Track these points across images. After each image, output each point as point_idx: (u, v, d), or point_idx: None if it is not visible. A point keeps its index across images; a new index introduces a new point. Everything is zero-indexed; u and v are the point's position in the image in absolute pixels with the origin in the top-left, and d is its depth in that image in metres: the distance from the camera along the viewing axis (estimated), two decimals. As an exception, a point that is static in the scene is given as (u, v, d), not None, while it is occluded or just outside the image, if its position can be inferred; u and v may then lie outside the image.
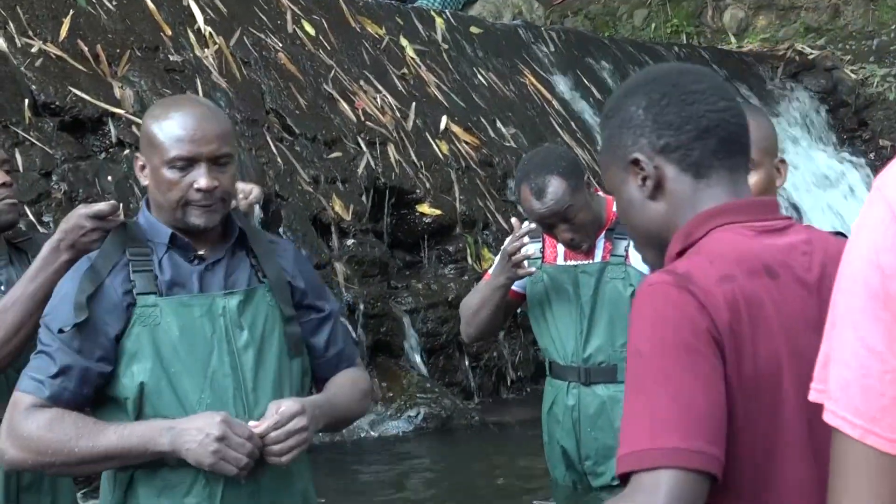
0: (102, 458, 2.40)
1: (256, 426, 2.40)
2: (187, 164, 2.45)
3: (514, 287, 3.73)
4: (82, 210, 2.61)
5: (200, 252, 2.53)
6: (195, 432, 2.34)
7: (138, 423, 2.40)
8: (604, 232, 3.64)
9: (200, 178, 2.44)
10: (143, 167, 2.54)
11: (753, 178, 2.55)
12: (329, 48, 8.00)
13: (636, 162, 1.71)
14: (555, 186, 3.50)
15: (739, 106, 1.73)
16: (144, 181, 2.54)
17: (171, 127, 2.46)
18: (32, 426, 2.39)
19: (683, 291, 1.57)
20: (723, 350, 1.55)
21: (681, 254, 1.69)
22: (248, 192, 2.81)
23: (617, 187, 1.77)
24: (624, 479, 1.54)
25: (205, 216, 2.47)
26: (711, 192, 1.70)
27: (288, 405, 2.43)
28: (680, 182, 1.70)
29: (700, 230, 1.68)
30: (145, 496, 2.45)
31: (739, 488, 1.57)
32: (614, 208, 3.43)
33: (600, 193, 3.74)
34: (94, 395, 2.45)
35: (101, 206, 2.59)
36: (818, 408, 1.62)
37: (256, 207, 2.97)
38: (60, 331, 2.40)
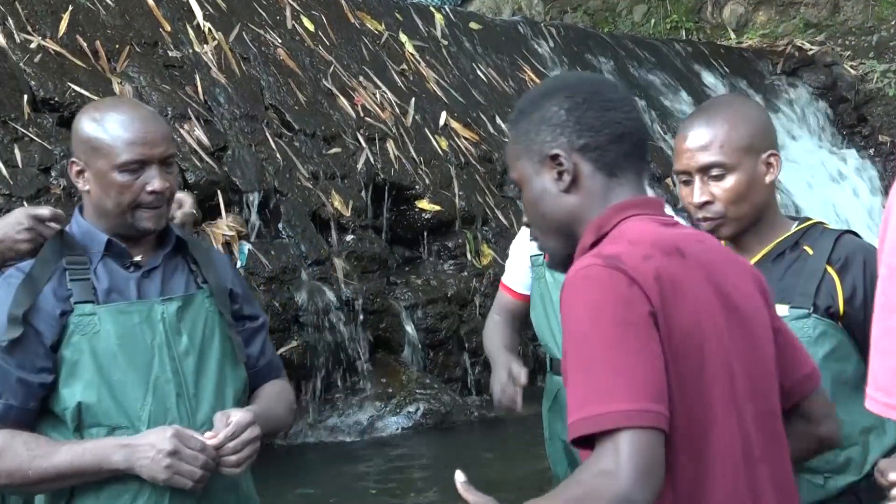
0: (57, 479, 2.36)
1: (211, 437, 2.39)
2: (139, 166, 2.42)
3: (519, 290, 3.72)
4: (24, 209, 2.56)
5: (136, 259, 2.50)
6: (147, 448, 2.33)
7: (90, 441, 2.37)
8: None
9: (154, 180, 2.42)
10: (80, 172, 2.48)
11: (731, 181, 2.48)
12: (328, 44, 7.99)
13: (555, 157, 1.89)
14: None
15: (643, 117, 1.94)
16: (84, 186, 2.48)
17: (117, 129, 2.42)
18: None
19: (614, 270, 1.73)
20: (655, 320, 1.72)
21: (594, 245, 1.85)
22: (181, 201, 2.74)
23: (528, 178, 1.94)
24: (574, 443, 1.70)
25: (154, 219, 2.46)
26: (621, 190, 1.90)
27: (241, 415, 2.42)
28: (594, 179, 1.89)
29: (611, 221, 1.87)
30: None
31: (677, 440, 1.73)
32: None
33: None
34: (41, 407, 2.40)
35: (43, 211, 2.53)
36: (735, 371, 1.77)
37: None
38: None
